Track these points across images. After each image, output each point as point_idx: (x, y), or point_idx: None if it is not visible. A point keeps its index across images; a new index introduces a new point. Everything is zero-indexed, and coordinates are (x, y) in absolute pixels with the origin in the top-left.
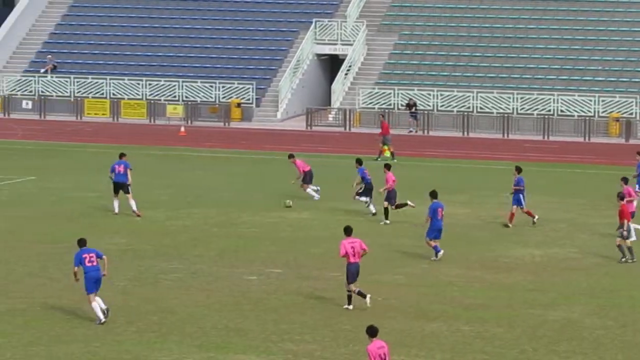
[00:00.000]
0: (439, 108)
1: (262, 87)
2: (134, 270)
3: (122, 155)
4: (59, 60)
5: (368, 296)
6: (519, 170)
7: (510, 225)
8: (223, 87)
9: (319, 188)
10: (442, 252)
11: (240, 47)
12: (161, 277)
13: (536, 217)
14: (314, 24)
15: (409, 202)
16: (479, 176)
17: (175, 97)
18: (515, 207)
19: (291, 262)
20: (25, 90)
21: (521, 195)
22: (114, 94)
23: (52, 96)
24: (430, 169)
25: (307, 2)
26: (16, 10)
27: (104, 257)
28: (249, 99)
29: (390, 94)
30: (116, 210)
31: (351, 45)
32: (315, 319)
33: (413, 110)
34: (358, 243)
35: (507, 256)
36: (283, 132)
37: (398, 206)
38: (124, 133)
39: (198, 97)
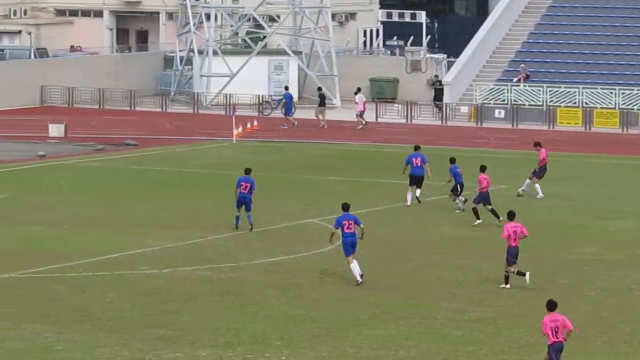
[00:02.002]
0: None
1: None
2: (604, 281)
3: (417, 148)
4: (531, 69)
5: (527, 273)
6: None
7: None
8: None
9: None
10: None
11: None
12: (634, 288)
13: None
14: None
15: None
16: None
17: None
18: None
19: None
20: (498, 99)
21: None
22: (586, 103)
23: (524, 105)
24: None
25: None
26: (490, 18)
27: (361, 224)
28: None
29: None
30: (408, 203)
31: None
32: None
33: None
34: (519, 227)
35: None
36: None
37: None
38: (595, 142)
39: None
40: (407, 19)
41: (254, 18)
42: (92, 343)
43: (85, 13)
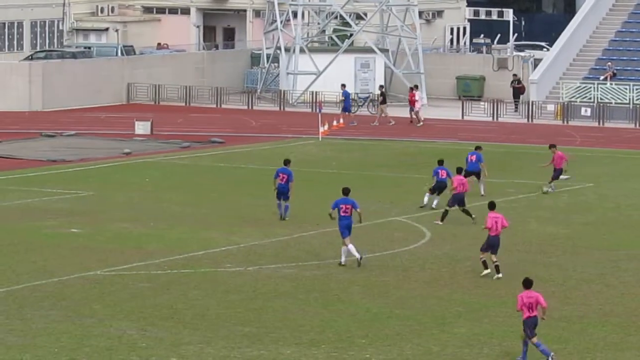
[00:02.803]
0: None
1: None
2: None
3: (478, 148)
4: (618, 67)
5: (497, 275)
6: None
7: None
8: None
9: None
10: None
11: None
12: None
13: None
14: None
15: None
16: None
17: None
18: None
19: None
20: (584, 97)
21: None
22: None
23: (610, 103)
24: None
25: None
26: (577, 16)
27: (358, 209)
28: None
29: None
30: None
31: None
32: None
33: None
34: (500, 218)
35: None
36: None
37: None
38: None
39: None
40: (494, 16)
41: (340, 16)
42: (176, 340)
43: (173, 10)
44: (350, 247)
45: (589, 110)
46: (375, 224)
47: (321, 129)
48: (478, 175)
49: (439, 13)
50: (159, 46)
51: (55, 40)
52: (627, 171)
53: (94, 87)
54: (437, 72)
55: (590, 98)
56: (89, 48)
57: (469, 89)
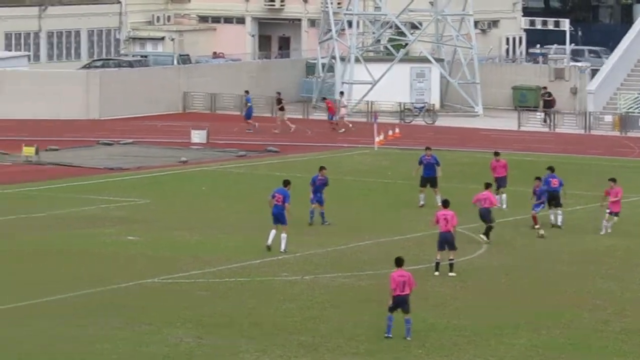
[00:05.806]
0: None
1: None
2: None
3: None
4: None
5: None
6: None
7: None
8: None
9: None
10: None
11: None
12: None
13: None
14: None
15: None
16: None
17: None
18: None
19: None
20: None
21: None
22: None
23: None
24: None
25: None
26: (635, 26)
27: (287, 203)
28: None
29: None
30: (421, 203)
31: None
32: None
33: None
34: (451, 215)
35: None
36: None
37: None
38: None
39: None
40: (551, 26)
41: (395, 25)
42: (233, 349)
43: (228, 19)
44: (272, 233)
45: None
46: (433, 234)
47: (376, 139)
48: (434, 181)
49: (494, 23)
50: (215, 55)
51: (112, 49)
52: None
53: (151, 96)
54: (493, 82)
55: None
56: (146, 57)
57: (525, 99)
